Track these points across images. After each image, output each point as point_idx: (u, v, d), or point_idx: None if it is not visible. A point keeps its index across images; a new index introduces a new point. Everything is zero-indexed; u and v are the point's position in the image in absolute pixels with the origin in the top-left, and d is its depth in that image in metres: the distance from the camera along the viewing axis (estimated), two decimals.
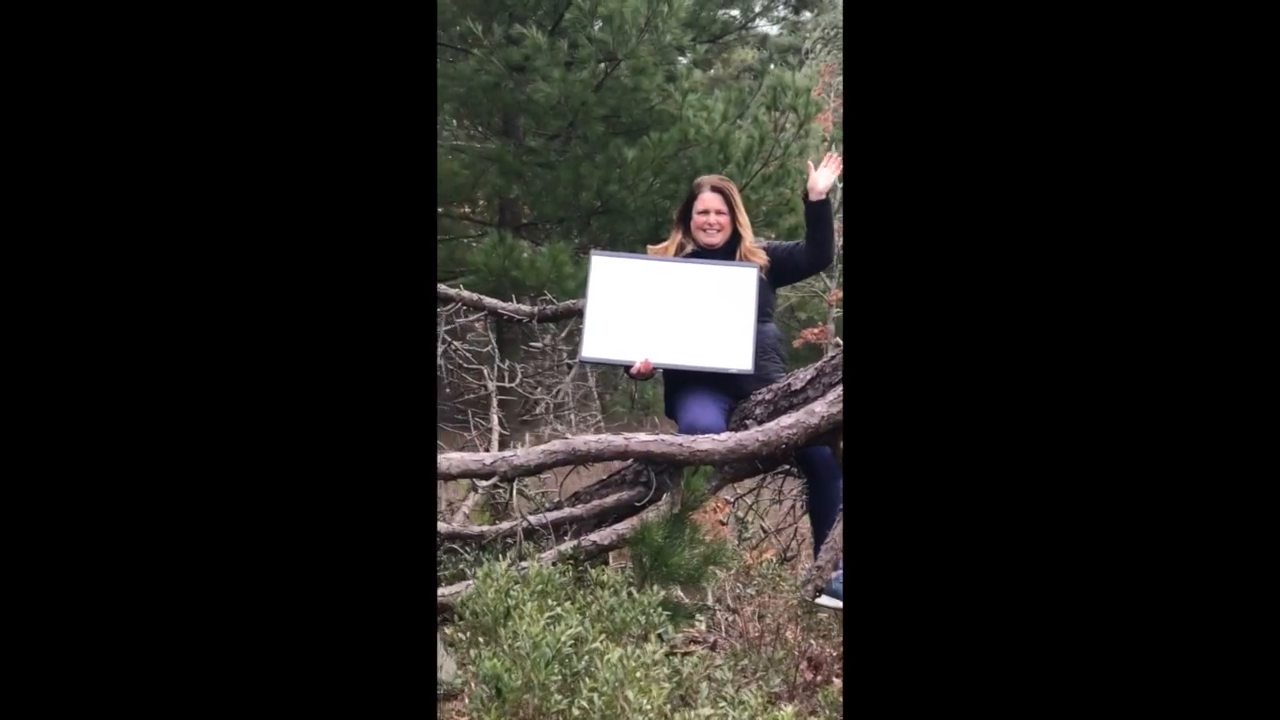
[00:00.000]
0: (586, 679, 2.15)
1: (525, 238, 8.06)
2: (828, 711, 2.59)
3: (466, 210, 8.91)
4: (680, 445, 3.05)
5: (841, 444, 3.14)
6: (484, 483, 3.29)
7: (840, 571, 3.14)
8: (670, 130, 7.21)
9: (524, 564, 2.77)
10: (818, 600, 3.06)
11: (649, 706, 2.02)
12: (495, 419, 4.53)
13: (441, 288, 4.49)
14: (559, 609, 2.34)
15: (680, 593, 3.28)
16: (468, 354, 5.02)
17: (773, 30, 11.46)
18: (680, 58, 7.85)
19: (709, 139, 7.23)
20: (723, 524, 4.39)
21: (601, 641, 2.25)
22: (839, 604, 3.09)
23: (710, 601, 3.34)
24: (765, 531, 3.94)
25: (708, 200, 3.43)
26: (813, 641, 3.08)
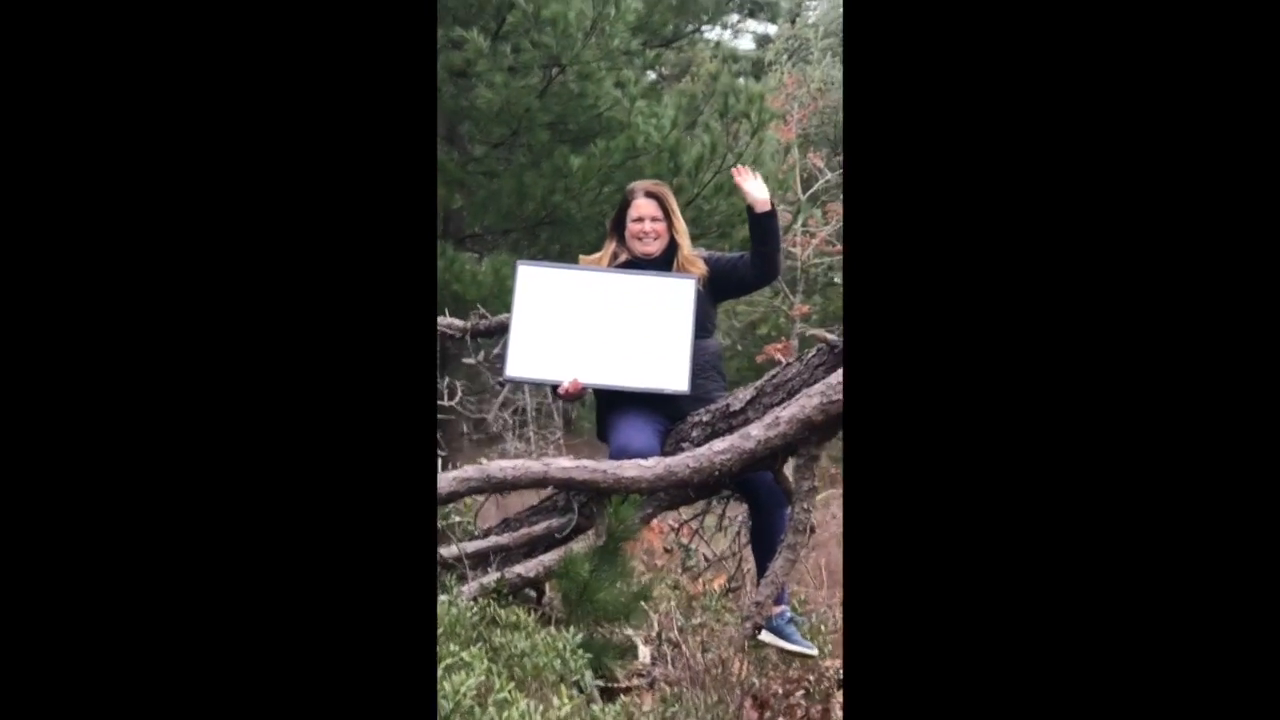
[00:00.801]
0: None
1: (470, 250, 7.94)
2: None
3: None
4: (604, 472, 2.91)
5: (785, 468, 3.01)
6: None
7: (784, 607, 3.03)
8: (618, 138, 7.09)
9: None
10: (759, 638, 2.92)
11: None
12: (438, 438, 4.39)
13: None
14: (464, 654, 2.15)
15: (618, 629, 3.11)
16: None
17: (725, 35, 11.44)
18: (628, 64, 7.59)
19: (658, 147, 7.10)
20: (667, 550, 4.29)
21: (510, 691, 2.07)
22: (781, 643, 2.96)
23: (647, 636, 3.23)
24: (708, 560, 3.85)
25: (641, 206, 3.28)
26: (755, 680, 2.94)
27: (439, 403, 4.42)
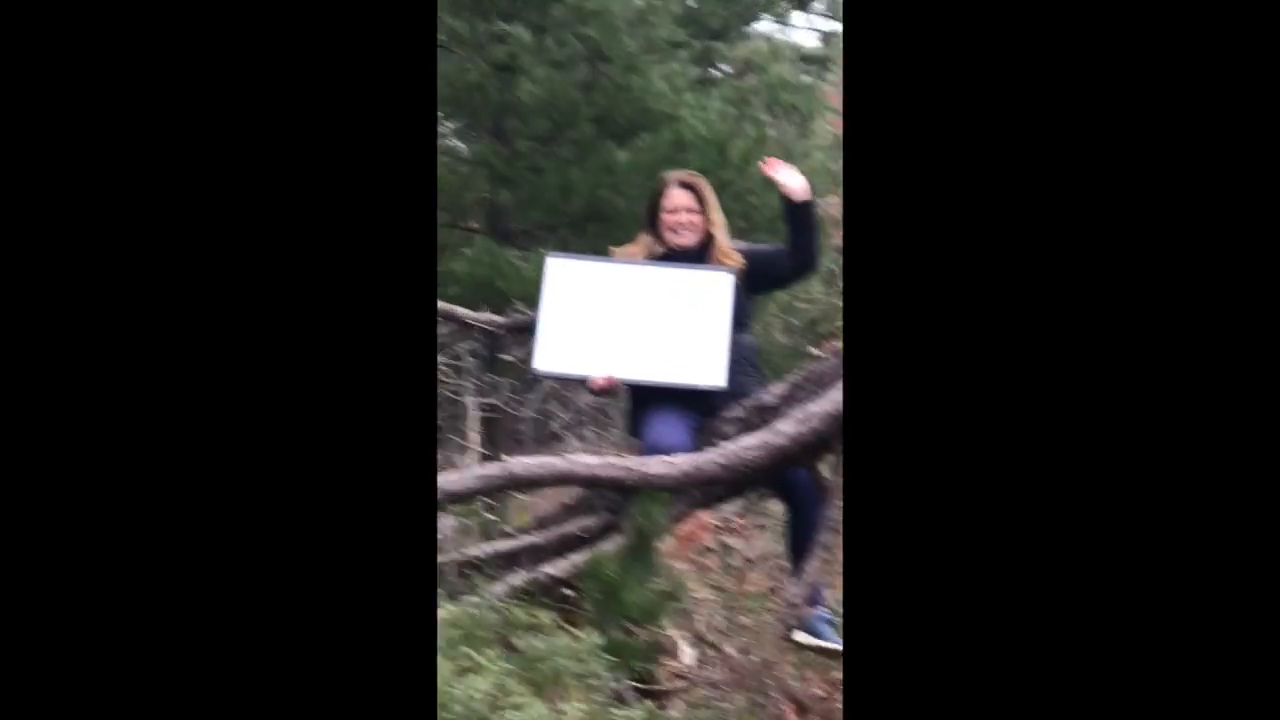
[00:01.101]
0: None
1: (516, 246, 7.90)
2: None
3: (451, 218, 8.65)
4: (629, 469, 2.85)
5: (821, 465, 2.94)
6: None
7: (819, 609, 2.96)
8: (664, 131, 7.04)
9: (450, 603, 2.54)
10: (793, 637, 2.86)
11: None
12: (472, 437, 4.37)
13: None
14: (481, 657, 2.13)
15: (649, 630, 3.04)
16: (444, 368, 4.88)
17: (776, 29, 11.31)
18: (674, 56, 7.56)
19: (706, 140, 7.06)
20: (710, 550, 4.24)
21: (524, 695, 2.05)
22: (817, 641, 2.89)
23: (692, 637, 3.19)
24: (749, 560, 3.77)
25: (676, 197, 3.23)
26: (794, 683, 2.88)
27: (484, 400, 4.45)
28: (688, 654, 3.23)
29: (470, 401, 4.16)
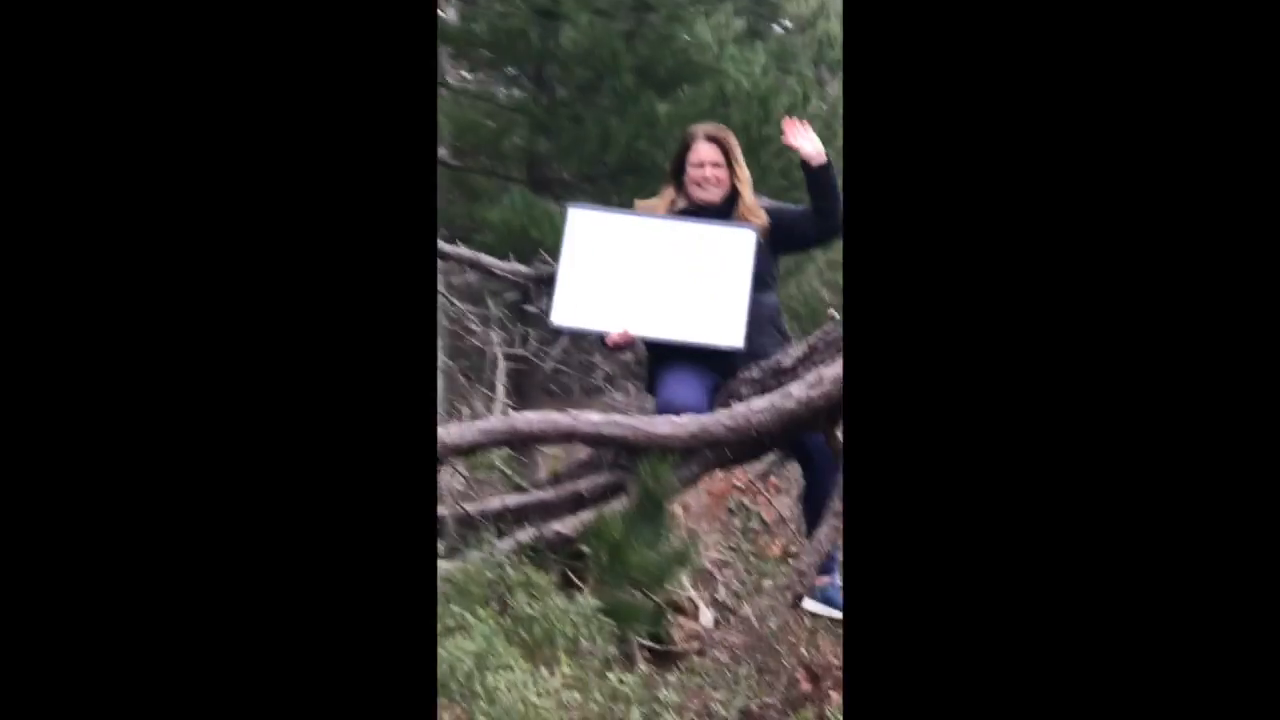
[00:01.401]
0: (481, 704, 1.94)
1: (554, 195, 7.74)
2: None
3: (490, 165, 8.67)
4: (635, 428, 2.83)
5: (837, 430, 2.87)
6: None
7: (830, 577, 2.91)
8: (706, 84, 6.91)
9: (441, 563, 2.50)
10: (803, 605, 2.83)
11: None
12: (500, 388, 4.31)
13: (440, 245, 4.31)
14: (472, 616, 2.12)
15: (656, 592, 3.02)
16: (471, 315, 4.80)
17: None
18: (720, 8, 7.43)
19: (749, 94, 6.89)
20: (731, 511, 4.19)
21: (517, 659, 2.05)
22: (826, 610, 2.86)
23: (710, 599, 3.16)
24: (765, 524, 3.74)
25: (702, 151, 3.16)
26: (806, 650, 2.83)
27: (510, 350, 4.39)
28: (707, 616, 3.23)
29: (498, 352, 4.09)
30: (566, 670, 2.09)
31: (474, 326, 4.78)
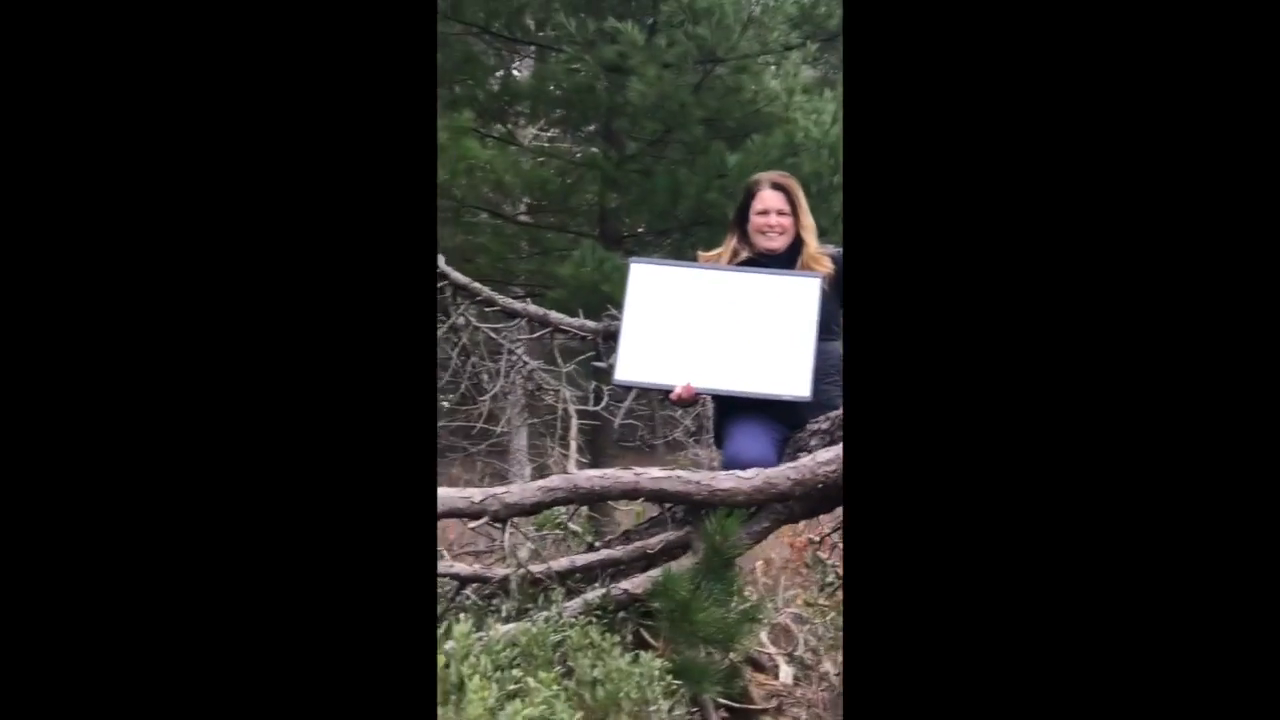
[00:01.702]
0: None
1: (625, 250, 7.90)
2: None
3: (560, 221, 8.87)
4: (698, 483, 2.78)
5: None
6: (473, 523, 3.02)
7: None
8: (775, 133, 6.91)
9: (508, 625, 2.47)
10: None
11: None
12: (573, 444, 4.32)
13: (506, 300, 4.36)
14: (529, 679, 2.06)
15: (729, 652, 2.94)
16: (544, 372, 4.81)
17: None
18: (788, 57, 7.43)
19: (818, 143, 6.88)
20: (807, 566, 4.12)
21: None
22: None
23: (789, 655, 3.09)
24: (839, 576, 3.63)
25: (767, 199, 3.19)
26: None
27: (583, 407, 4.40)
28: (786, 672, 3.20)
29: (571, 409, 4.10)
30: None
31: (547, 384, 4.82)
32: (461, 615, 2.47)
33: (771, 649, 3.23)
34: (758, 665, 3.20)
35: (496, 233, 8.53)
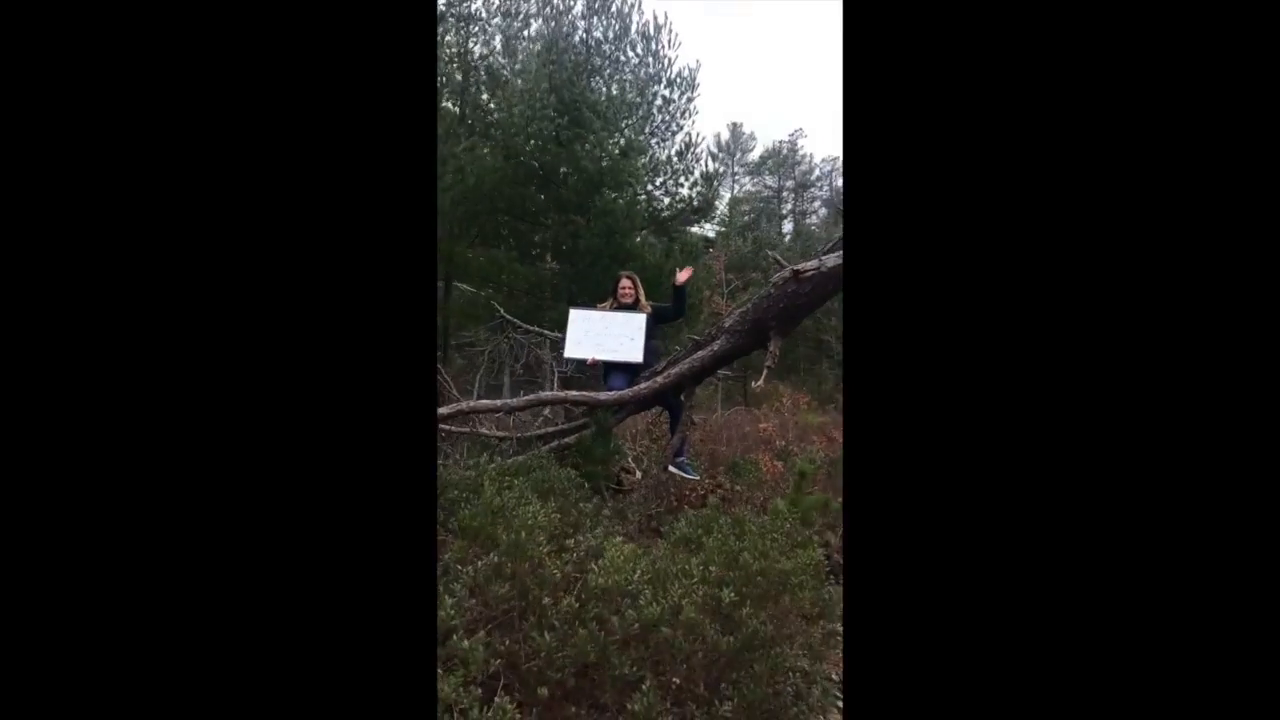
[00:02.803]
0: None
1: (577, 304, 9.67)
2: None
3: None
4: (592, 397, 4.55)
5: (682, 394, 4.70)
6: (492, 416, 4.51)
7: (683, 458, 4.57)
8: (636, 263, 9.28)
9: (508, 459, 3.83)
10: (669, 469, 4.54)
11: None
12: (554, 383, 6.53)
13: (527, 325, 7.02)
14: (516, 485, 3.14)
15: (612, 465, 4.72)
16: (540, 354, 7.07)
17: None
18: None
19: (657, 266, 10.05)
20: (647, 432, 5.97)
21: (531, 499, 2.92)
22: (680, 474, 4.54)
23: (631, 466, 5.00)
24: (658, 438, 5.59)
25: (624, 282, 4.93)
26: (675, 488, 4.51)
27: (560, 369, 6.51)
28: (637, 472, 4.95)
29: (553, 367, 6.87)
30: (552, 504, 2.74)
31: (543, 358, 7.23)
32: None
33: (630, 463, 4.97)
34: (626, 470, 4.88)
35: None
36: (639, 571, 2.54)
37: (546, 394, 4.79)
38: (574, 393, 4.81)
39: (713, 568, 2.58)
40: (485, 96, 10.90)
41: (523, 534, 2.46)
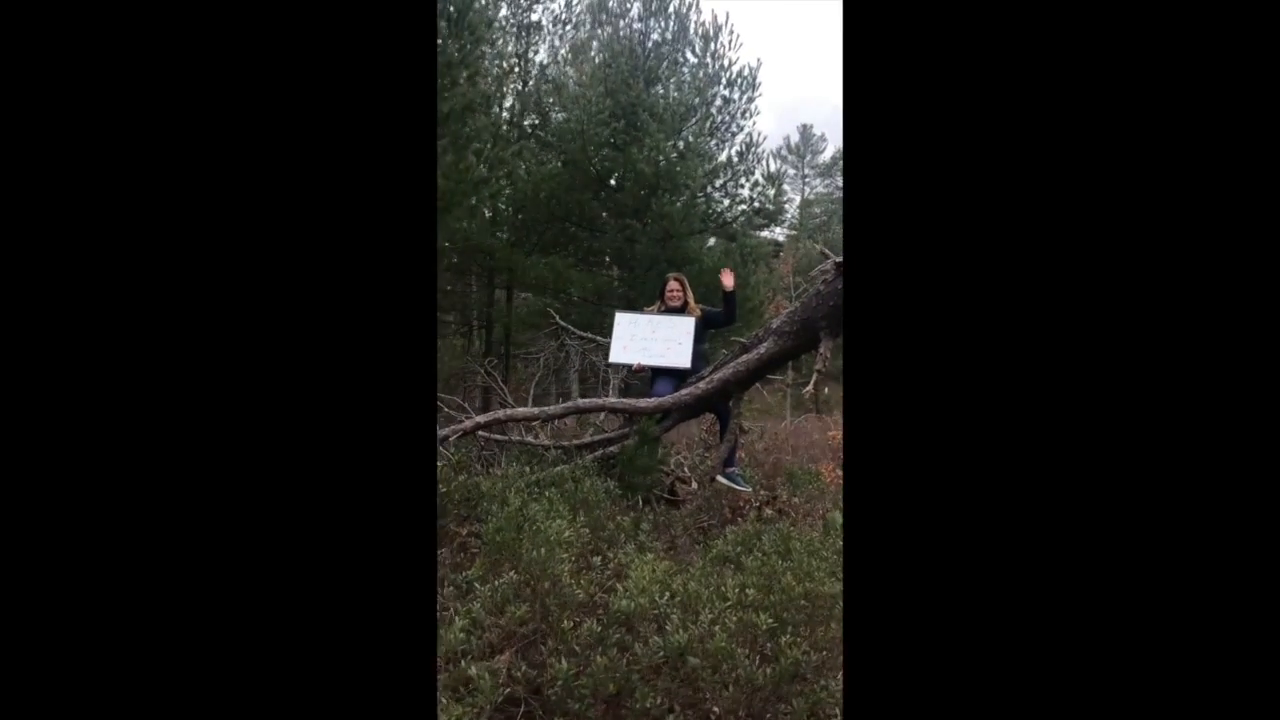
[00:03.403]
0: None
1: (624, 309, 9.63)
2: None
3: None
4: (630, 404, 4.35)
5: (730, 401, 4.47)
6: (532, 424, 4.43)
7: (734, 468, 4.36)
8: (694, 266, 9.48)
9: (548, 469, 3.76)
10: (717, 479, 4.34)
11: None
12: (612, 388, 6.54)
13: (580, 332, 6.75)
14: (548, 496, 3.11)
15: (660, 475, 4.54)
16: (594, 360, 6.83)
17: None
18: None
19: (713, 268, 9.63)
20: (700, 441, 5.73)
21: (564, 509, 3.05)
22: (731, 485, 4.37)
23: (687, 476, 4.80)
24: (710, 443, 5.24)
25: (671, 284, 4.80)
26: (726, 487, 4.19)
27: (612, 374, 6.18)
28: (693, 483, 4.78)
29: (609, 374, 6.77)
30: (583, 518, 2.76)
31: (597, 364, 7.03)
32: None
33: (687, 473, 4.79)
34: (680, 479, 4.74)
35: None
36: (668, 593, 2.43)
37: (584, 401, 4.65)
38: (612, 399, 4.66)
39: (750, 590, 2.45)
40: (550, 100, 11.08)
41: (543, 550, 2.47)
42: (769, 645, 2.18)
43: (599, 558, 2.63)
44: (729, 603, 2.34)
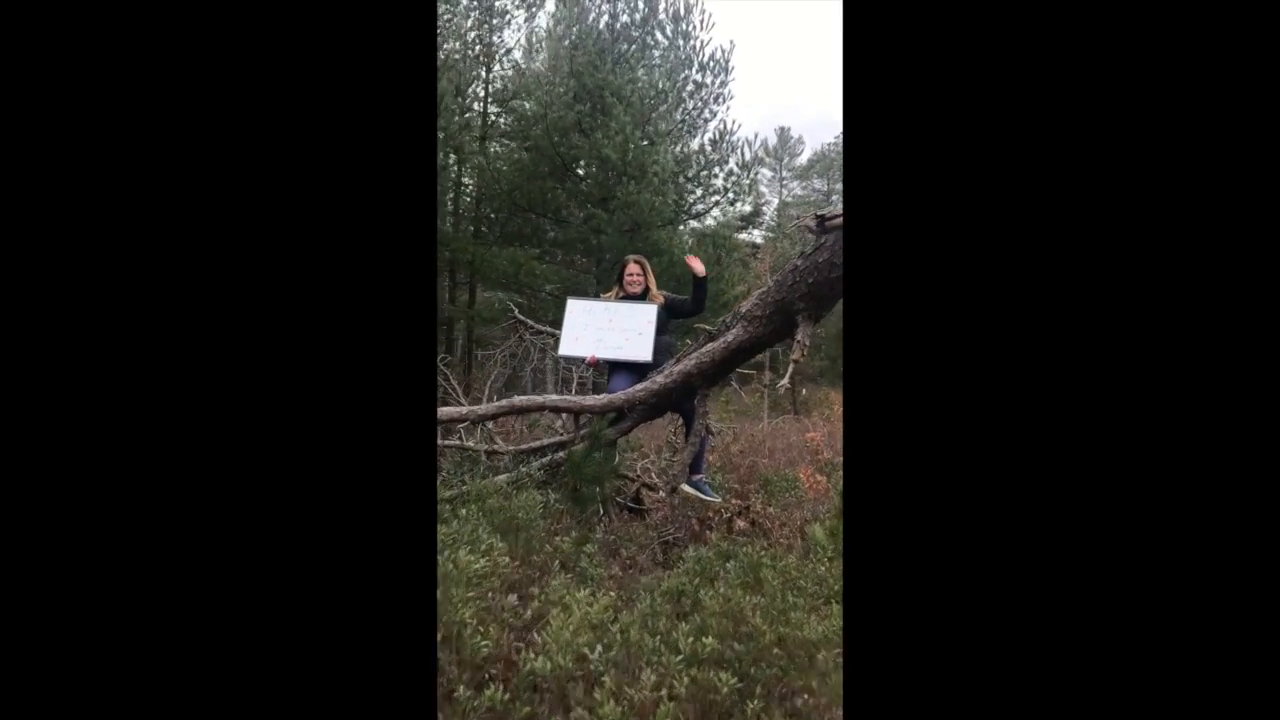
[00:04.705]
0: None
1: (574, 294, 10.16)
2: None
3: None
4: (574, 401, 3.89)
5: (696, 398, 3.99)
6: (460, 425, 3.96)
7: (700, 475, 3.94)
8: (663, 259, 9.18)
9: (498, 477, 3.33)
10: (681, 488, 3.91)
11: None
12: (550, 384, 5.93)
13: (531, 322, 6.28)
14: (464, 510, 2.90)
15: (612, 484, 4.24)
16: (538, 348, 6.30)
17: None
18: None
19: (678, 252, 9.24)
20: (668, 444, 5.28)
21: (495, 537, 2.80)
22: (697, 494, 3.94)
23: (650, 484, 4.34)
24: (674, 448, 4.99)
25: (631, 267, 4.45)
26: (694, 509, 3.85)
27: (561, 366, 5.77)
28: (660, 490, 4.42)
29: (553, 365, 6.32)
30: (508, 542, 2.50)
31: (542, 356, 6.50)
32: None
33: (655, 478, 4.49)
34: (649, 487, 4.37)
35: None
36: (601, 645, 1.99)
37: (520, 399, 4.15)
38: (554, 397, 4.23)
39: (708, 639, 2.02)
40: (510, 87, 10.66)
41: (440, 590, 2.07)
42: (733, 715, 1.80)
43: (515, 596, 2.25)
44: (680, 657, 1.93)
